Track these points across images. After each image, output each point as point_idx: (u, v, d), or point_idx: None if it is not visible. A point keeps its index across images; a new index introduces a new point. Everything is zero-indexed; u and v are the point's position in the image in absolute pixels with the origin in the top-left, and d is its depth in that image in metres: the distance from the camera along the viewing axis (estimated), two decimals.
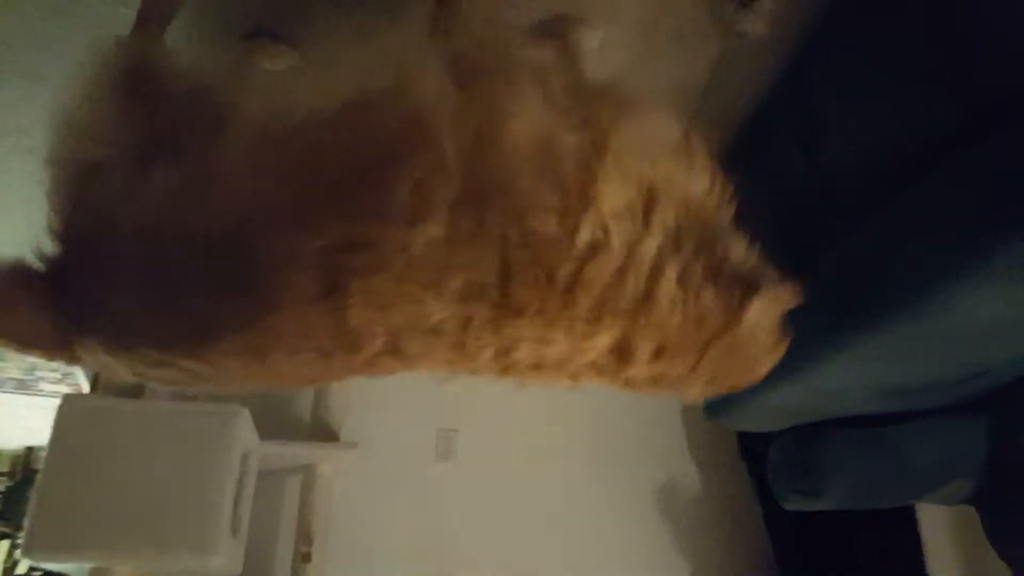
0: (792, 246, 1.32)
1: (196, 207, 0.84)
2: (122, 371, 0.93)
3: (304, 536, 1.96)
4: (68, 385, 3.17)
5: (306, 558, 1.93)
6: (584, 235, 0.76)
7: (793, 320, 1.21)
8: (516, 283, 0.77)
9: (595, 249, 0.76)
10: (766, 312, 0.85)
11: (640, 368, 0.83)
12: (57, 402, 1.69)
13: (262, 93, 0.99)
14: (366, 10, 1.29)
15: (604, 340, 0.80)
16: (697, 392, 0.89)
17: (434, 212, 0.75)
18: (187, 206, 0.85)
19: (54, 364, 3.21)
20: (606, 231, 0.77)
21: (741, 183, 1.46)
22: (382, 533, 2.14)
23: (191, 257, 0.83)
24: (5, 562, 3.68)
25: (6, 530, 3.71)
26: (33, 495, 1.61)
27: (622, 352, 0.81)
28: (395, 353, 0.83)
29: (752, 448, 2.01)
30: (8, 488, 4.00)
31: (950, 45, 0.95)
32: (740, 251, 0.86)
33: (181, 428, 1.67)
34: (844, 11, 1.17)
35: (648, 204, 0.79)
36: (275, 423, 1.86)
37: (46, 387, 3.25)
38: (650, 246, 0.78)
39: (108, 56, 1.02)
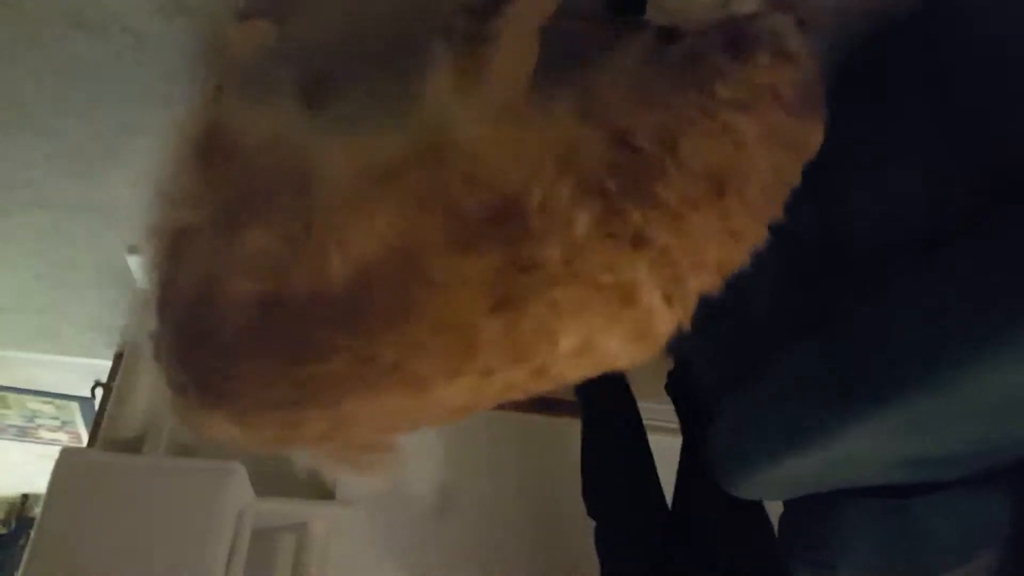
0: (799, 298, 1.30)
1: (308, 263, 0.85)
2: (252, 443, 0.92)
3: None
4: (67, 433, 3.16)
5: None
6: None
7: (802, 388, 1.19)
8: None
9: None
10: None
11: None
12: (55, 450, 1.70)
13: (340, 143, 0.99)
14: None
15: None
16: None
17: (572, 209, 0.81)
18: (297, 264, 0.85)
19: (53, 412, 3.22)
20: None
21: None
22: None
23: (324, 309, 0.84)
24: None
25: None
26: (27, 549, 1.60)
27: None
28: (583, 352, 0.87)
29: None
30: (2, 536, 3.95)
31: (953, 120, 0.95)
32: None
33: (176, 484, 1.65)
34: (853, 72, 1.17)
35: None
36: (270, 479, 1.83)
37: (45, 435, 3.25)
38: None
39: (183, 121, 1.06)
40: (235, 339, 0.87)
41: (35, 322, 2.36)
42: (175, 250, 0.95)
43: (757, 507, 1.65)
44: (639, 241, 0.83)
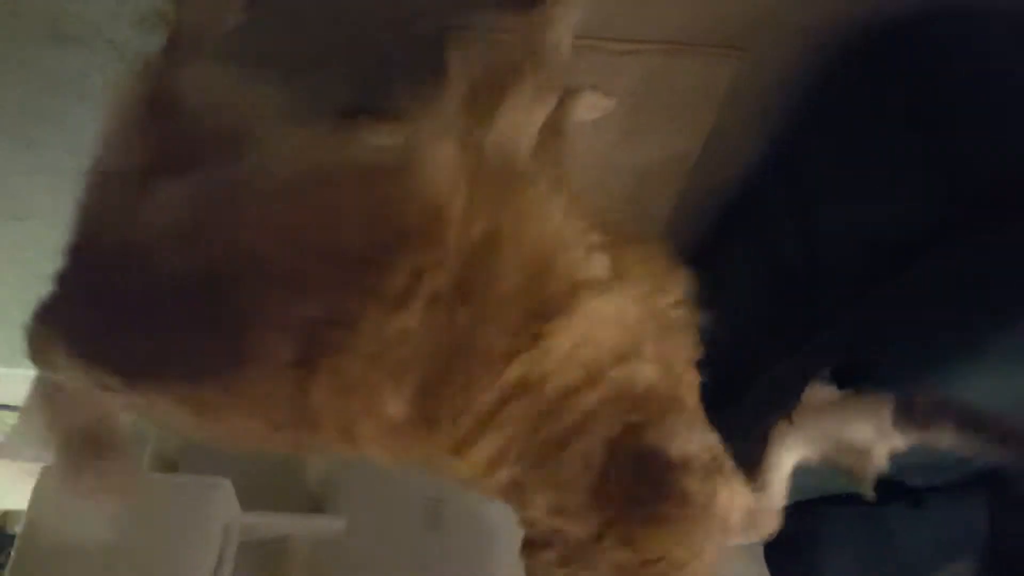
0: (785, 315, 1.31)
1: (193, 236, 0.80)
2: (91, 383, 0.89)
3: None
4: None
5: None
6: (515, 372, 0.73)
7: (790, 398, 1.19)
8: (440, 394, 0.74)
9: (523, 388, 0.73)
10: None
11: (539, 516, 0.78)
12: (36, 467, 1.66)
13: (291, 136, 0.95)
14: None
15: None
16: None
17: (415, 302, 0.72)
18: (184, 233, 0.81)
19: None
20: (543, 377, 0.73)
21: (735, 250, 1.47)
22: None
23: (172, 288, 0.79)
24: None
25: None
26: (8, 567, 1.58)
27: (517, 494, 0.78)
28: (348, 439, 0.79)
29: None
30: None
31: (934, 132, 0.96)
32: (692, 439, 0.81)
33: (160, 500, 1.63)
34: (832, 89, 1.19)
35: (611, 360, 0.76)
36: (257, 492, 1.81)
37: (26, 451, 3.19)
38: (589, 401, 0.74)
39: (136, 75, 1.03)
40: (96, 287, 0.86)
41: (13, 336, 2.32)
42: (96, 190, 0.94)
43: None
44: (430, 420, 0.75)
